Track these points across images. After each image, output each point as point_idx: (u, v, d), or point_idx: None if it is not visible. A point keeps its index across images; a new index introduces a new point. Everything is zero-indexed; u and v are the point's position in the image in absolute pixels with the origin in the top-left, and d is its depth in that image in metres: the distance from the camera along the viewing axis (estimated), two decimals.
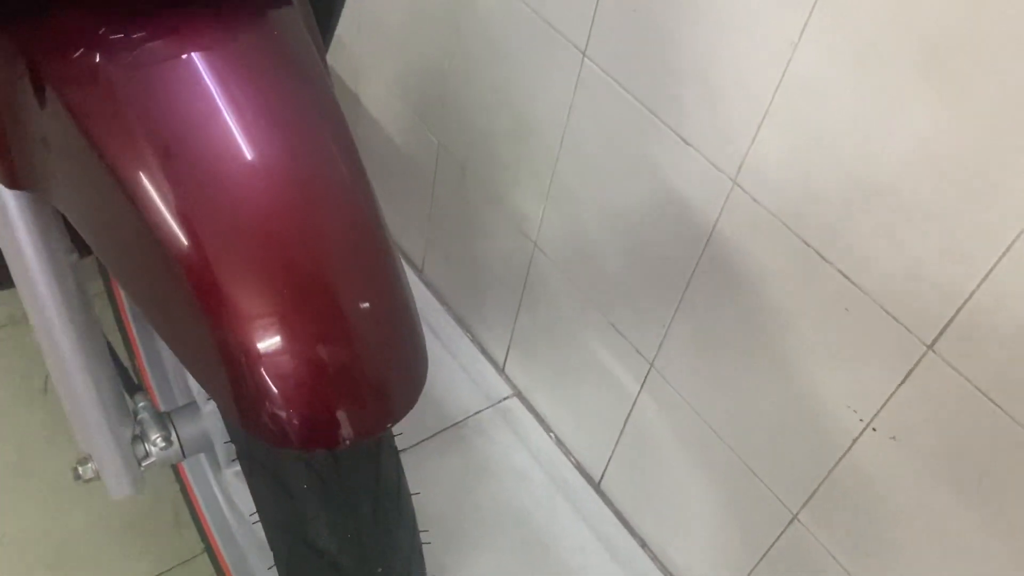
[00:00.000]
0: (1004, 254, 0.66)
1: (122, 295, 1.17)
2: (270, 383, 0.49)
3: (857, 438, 0.82)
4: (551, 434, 1.27)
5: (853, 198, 0.74)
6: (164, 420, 0.79)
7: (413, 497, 0.63)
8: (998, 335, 0.68)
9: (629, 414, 1.11)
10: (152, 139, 0.50)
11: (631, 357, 1.07)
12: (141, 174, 0.49)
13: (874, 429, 0.80)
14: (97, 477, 0.78)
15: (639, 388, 1.08)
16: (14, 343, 1.26)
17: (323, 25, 0.66)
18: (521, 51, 1.04)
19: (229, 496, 0.95)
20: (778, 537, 0.96)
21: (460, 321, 1.41)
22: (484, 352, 1.38)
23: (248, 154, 0.51)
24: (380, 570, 0.58)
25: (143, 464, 0.78)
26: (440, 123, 1.24)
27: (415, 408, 0.53)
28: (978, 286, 0.68)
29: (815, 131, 0.75)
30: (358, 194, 0.54)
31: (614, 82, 0.92)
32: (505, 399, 1.31)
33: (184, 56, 0.52)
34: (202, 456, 1.02)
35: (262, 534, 0.97)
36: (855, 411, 0.81)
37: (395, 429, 0.58)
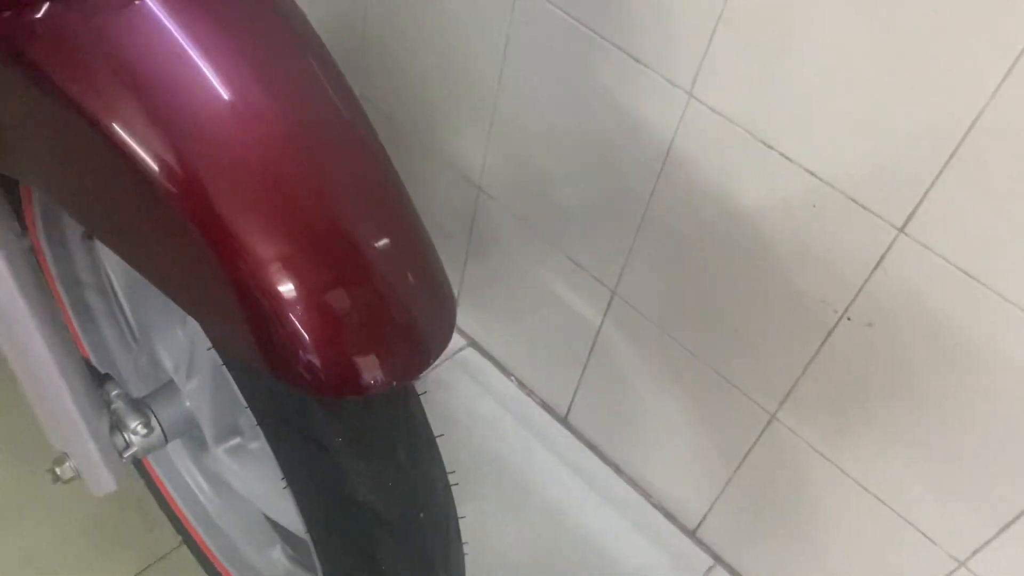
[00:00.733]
0: (968, 131, 0.68)
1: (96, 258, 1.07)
2: (301, 328, 0.46)
3: (832, 329, 0.85)
4: (511, 378, 1.27)
5: (813, 92, 0.75)
6: (140, 406, 0.75)
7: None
8: (972, 210, 0.71)
9: (593, 345, 1.12)
10: (135, 81, 0.46)
11: (592, 288, 1.07)
12: (132, 120, 0.46)
13: (849, 319, 0.83)
14: (77, 476, 0.73)
15: (602, 318, 1.08)
16: None
17: None
18: None
19: (212, 480, 0.91)
20: (756, 440, 0.99)
21: None
22: None
23: (243, 90, 0.48)
24: (422, 515, 0.57)
25: (124, 455, 0.74)
26: (361, 73, 1.20)
27: None
28: (945, 163, 0.71)
29: (776, 30, 0.75)
30: (361, 129, 0.52)
31: (553, 7, 0.91)
32: (460, 350, 1.30)
33: None
34: (169, 447, 0.97)
35: (247, 515, 0.94)
36: (828, 303, 0.84)
37: None
